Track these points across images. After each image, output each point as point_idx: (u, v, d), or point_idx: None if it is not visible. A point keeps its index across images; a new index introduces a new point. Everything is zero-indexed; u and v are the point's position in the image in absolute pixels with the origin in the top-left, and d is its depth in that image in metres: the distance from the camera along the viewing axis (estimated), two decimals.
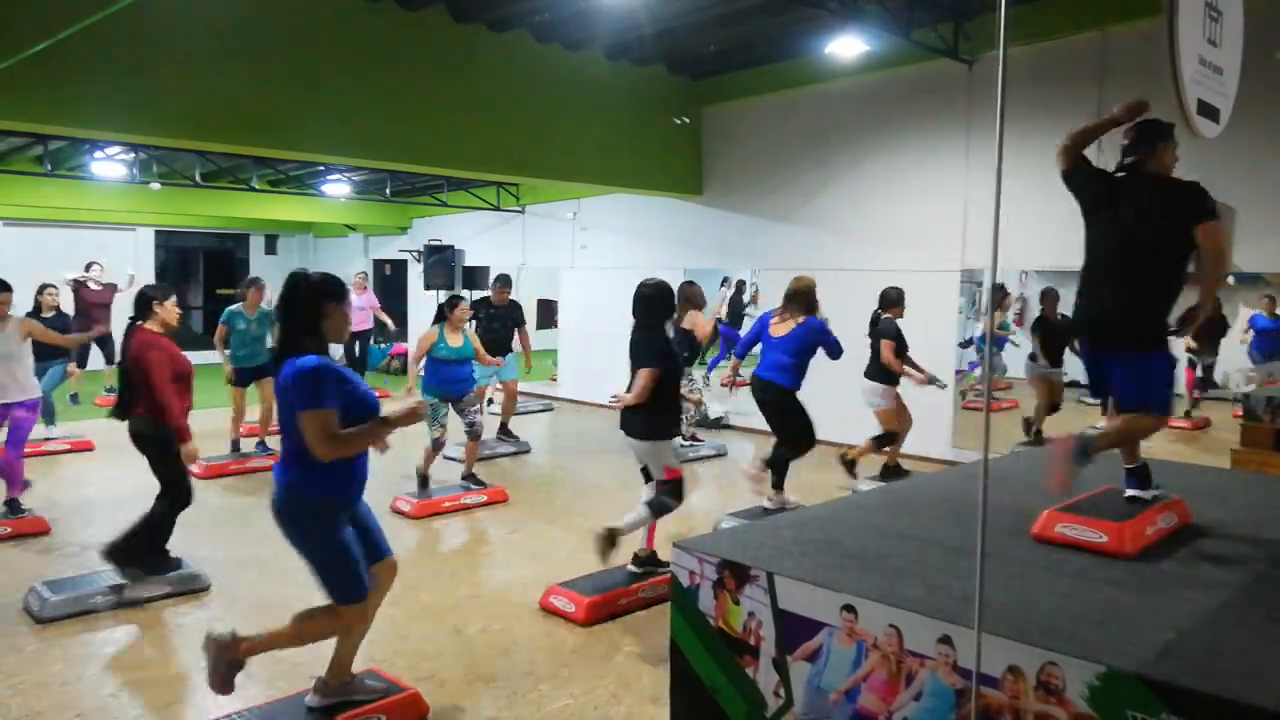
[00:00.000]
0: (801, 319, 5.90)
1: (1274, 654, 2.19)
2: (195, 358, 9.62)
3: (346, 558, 3.15)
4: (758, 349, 6.30)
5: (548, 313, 13.85)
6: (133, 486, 7.12)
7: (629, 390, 4.76)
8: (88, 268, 10.72)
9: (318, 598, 4.85)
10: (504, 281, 8.89)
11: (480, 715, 3.55)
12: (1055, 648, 2.16)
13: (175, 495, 4.72)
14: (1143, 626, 2.33)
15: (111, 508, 6.40)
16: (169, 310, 4.77)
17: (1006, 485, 3.84)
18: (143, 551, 4.66)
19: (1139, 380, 3.13)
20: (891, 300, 6.99)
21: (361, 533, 3.28)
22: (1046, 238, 7.52)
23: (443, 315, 6.72)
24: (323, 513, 3.12)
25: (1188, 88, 2.47)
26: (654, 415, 4.72)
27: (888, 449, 7.14)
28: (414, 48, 7.76)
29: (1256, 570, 2.85)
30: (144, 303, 4.73)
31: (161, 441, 4.62)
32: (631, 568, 4.93)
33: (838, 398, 8.49)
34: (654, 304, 4.75)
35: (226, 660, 3.20)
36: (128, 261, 12.97)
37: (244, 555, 5.47)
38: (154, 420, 4.59)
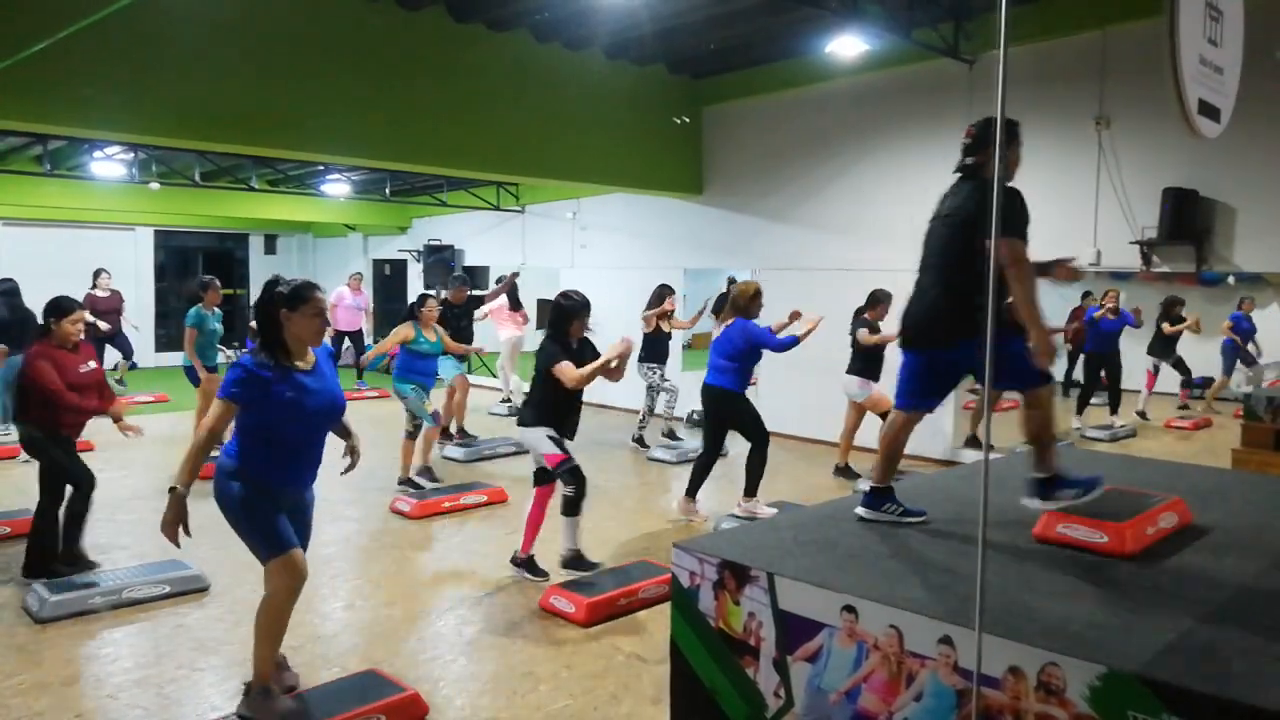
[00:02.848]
0: (730, 321, 6.06)
1: (1275, 654, 2.18)
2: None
3: (262, 520, 3.28)
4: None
5: (546, 313, 13.84)
6: (132, 486, 7.13)
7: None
8: (96, 276, 11.10)
9: (315, 599, 4.86)
10: (462, 281, 9.26)
11: (480, 715, 3.55)
12: (1056, 648, 2.15)
13: (79, 484, 4.96)
14: (1143, 627, 2.32)
15: (111, 508, 6.39)
16: (64, 328, 4.86)
17: (1007, 485, 3.84)
18: (48, 558, 4.88)
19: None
20: (878, 300, 7.22)
21: (294, 516, 3.44)
22: (1047, 236, 7.53)
23: (413, 313, 7.14)
24: (245, 489, 3.27)
25: (1188, 87, 2.47)
26: (534, 407, 4.93)
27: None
28: (413, 47, 7.75)
29: (1257, 570, 2.84)
30: (48, 314, 4.87)
31: (49, 442, 4.86)
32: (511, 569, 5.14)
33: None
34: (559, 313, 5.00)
35: (267, 703, 3.31)
36: (127, 262, 13.04)
37: (244, 555, 5.44)
38: (41, 424, 4.82)
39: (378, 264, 17.22)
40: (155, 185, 12.36)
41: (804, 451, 8.79)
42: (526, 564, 5.09)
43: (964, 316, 3.01)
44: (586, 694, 3.72)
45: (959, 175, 3.37)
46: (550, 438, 4.84)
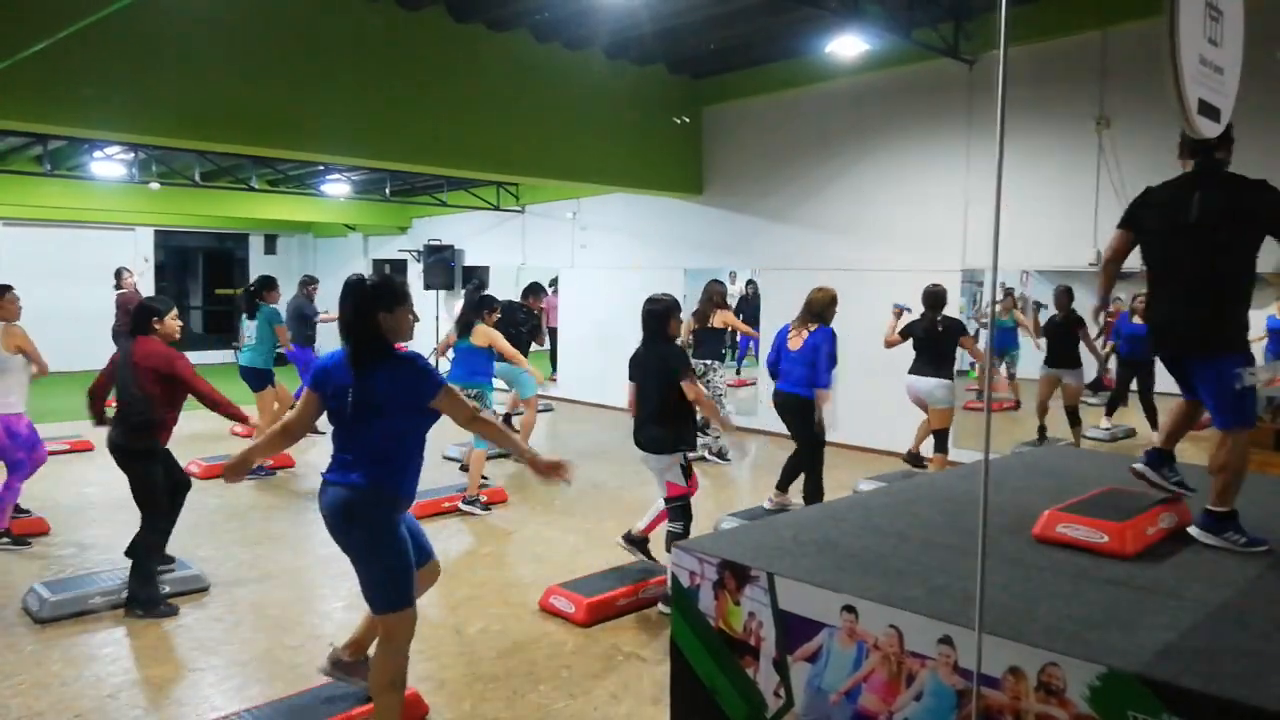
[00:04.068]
0: (813, 328, 5.93)
1: (1274, 654, 2.18)
2: (198, 357, 9.64)
3: (408, 561, 3.07)
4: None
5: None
6: None
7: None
8: (119, 275, 10.89)
9: (316, 599, 4.86)
10: (541, 290, 9.12)
11: (480, 715, 3.55)
12: (1056, 648, 2.15)
13: (157, 509, 4.60)
14: (1143, 627, 2.32)
15: (111, 508, 6.39)
16: (169, 324, 4.68)
17: (1007, 485, 3.85)
18: (155, 584, 4.62)
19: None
20: (943, 299, 6.93)
21: (410, 535, 3.21)
22: (1047, 237, 7.54)
23: (479, 314, 6.94)
24: (393, 512, 3.06)
25: (1188, 87, 2.46)
26: (671, 426, 4.64)
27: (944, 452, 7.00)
28: (413, 47, 7.75)
29: (1257, 570, 2.84)
30: (146, 316, 4.66)
31: (152, 453, 4.56)
32: (619, 540, 4.99)
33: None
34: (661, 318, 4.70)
35: None
36: (127, 261, 13.00)
37: (244, 556, 5.47)
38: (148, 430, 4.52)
39: (378, 264, 17.23)
40: (155, 185, 12.35)
41: None
42: (639, 542, 4.95)
43: (1242, 320, 3.05)
44: (586, 694, 3.72)
45: (1195, 172, 3.18)
46: (682, 466, 4.65)
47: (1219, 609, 2.48)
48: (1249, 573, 2.81)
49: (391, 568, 3.03)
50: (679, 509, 4.68)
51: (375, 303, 3.03)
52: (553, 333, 12.65)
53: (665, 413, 4.61)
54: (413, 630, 3.13)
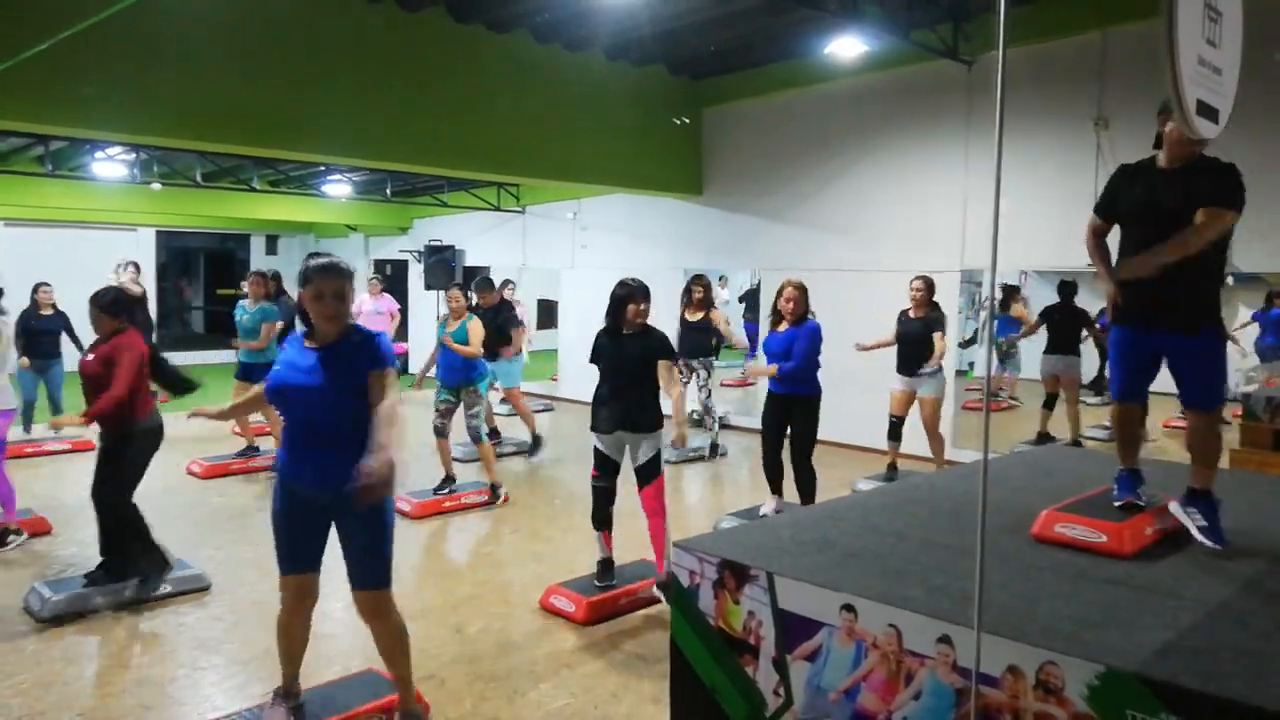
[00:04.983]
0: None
1: (1274, 654, 2.19)
2: (198, 357, 9.60)
3: (278, 529, 3.21)
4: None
5: (548, 313, 13.88)
6: None
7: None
8: (125, 268, 10.88)
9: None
10: (485, 285, 8.81)
11: (480, 715, 3.56)
12: (1054, 647, 2.16)
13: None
14: (1142, 626, 2.33)
15: None
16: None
17: (1006, 485, 3.85)
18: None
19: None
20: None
21: (347, 542, 3.19)
22: (1046, 237, 7.54)
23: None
24: (280, 482, 3.21)
25: (1186, 88, 2.47)
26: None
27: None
28: (413, 48, 7.76)
29: (1256, 570, 2.85)
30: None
31: None
32: (656, 593, 4.67)
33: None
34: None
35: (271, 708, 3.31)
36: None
37: (244, 555, 5.47)
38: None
39: (379, 264, 17.25)
40: (157, 186, 12.36)
41: None
42: (664, 587, 4.52)
43: (1125, 297, 3.18)
44: (586, 693, 3.72)
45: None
46: (594, 449, 4.71)
47: (1218, 608, 2.48)
48: (1248, 572, 2.82)
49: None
50: (592, 489, 4.76)
51: (301, 281, 3.16)
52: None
53: None
54: (288, 605, 3.23)
